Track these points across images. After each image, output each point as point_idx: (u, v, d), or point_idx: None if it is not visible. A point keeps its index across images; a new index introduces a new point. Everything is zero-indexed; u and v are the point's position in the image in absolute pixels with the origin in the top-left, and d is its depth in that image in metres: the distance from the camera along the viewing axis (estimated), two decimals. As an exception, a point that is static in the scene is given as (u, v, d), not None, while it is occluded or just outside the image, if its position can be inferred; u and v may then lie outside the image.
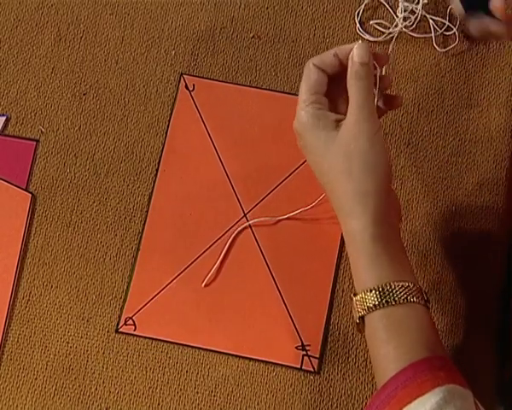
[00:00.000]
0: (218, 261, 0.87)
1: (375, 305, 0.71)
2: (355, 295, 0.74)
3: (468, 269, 0.86)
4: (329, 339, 0.85)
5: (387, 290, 0.71)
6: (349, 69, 0.76)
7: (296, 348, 0.84)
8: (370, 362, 0.83)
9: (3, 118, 0.92)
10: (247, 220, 0.88)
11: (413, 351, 0.70)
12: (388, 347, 0.71)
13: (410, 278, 0.73)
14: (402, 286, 0.72)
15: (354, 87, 0.75)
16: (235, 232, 0.88)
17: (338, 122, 0.76)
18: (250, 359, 0.84)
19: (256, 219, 0.88)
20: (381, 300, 0.71)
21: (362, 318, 0.73)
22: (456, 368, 0.71)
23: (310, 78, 0.77)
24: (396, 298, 0.71)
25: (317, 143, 0.76)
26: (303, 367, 0.84)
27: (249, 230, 0.88)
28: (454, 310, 0.85)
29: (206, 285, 0.86)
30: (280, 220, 0.88)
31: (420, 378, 0.68)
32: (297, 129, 0.78)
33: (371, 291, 0.72)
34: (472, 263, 0.86)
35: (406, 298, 0.71)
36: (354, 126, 0.74)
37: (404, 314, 0.72)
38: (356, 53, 0.76)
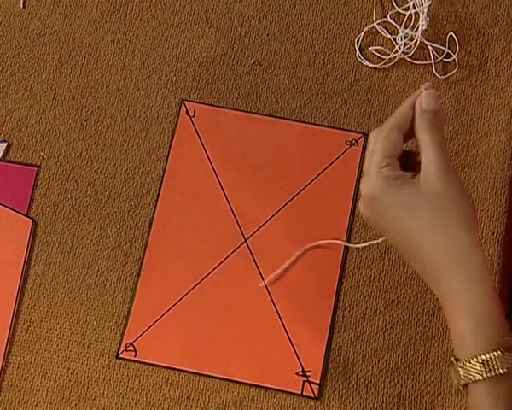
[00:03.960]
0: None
1: (482, 377, 0.65)
2: (457, 360, 0.68)
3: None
4: (330, 365, 0.85)
5: (496, 361, 0.65)
6: (418, 118, 0.72)
7: (297, 373, 0.84)
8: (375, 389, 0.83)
9: (5, 144, 0.92)
10: (248, 246, 0.88)
11: None
12: None
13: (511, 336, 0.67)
14: (510, 356, 0.65)
15: (430, 138, 0.71)
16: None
17: (414, 177, 0.71)
18: (251, 385, 0.84)
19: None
20: (489, 370, 0.65)
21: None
22: None
23: (390, 141, 0.72)
24: (505, 369, 0.65)
25: (400, 200, 0.70)
26: (304, 393, 0.84)
27: (250, 255, 0.88)
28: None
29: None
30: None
31: None
32: (369, 194, 0.72)
33: (478, 361, 0.65)
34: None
35: None
36: (440, 179, 0.69)
37: None
38: (425, 101, 0.72)
